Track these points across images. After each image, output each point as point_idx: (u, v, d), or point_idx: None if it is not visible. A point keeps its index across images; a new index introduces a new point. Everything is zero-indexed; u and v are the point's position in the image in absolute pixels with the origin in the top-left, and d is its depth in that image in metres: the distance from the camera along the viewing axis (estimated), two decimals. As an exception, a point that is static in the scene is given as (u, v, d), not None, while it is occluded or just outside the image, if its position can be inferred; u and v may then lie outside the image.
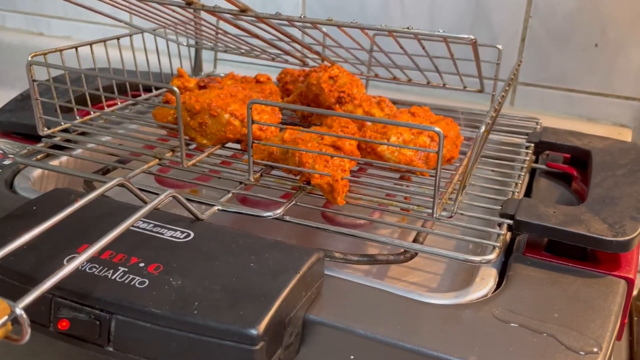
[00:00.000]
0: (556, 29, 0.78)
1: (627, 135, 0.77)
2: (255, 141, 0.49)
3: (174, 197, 0.41)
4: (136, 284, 0.36)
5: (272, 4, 0.93)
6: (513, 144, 0.64)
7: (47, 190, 0.49)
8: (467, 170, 0.45)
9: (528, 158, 0.60)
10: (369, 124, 0.55)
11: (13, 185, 0.56)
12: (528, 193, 0.57)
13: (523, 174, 0.57)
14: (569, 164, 0.61)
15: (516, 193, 0.53)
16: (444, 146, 0.44)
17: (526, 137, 0.65)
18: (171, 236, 0.40)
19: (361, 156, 0.53)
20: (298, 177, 0.51)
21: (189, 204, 0.43)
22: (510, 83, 0.52)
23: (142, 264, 0.37)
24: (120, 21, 0.63)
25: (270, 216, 0.47)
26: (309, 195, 0.51)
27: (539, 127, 0.68)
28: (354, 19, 0.88)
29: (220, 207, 0.47)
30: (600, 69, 0.78)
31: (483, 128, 0.42)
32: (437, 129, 0.41)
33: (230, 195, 0.49)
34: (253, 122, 0.48)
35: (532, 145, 0.62)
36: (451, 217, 0.45)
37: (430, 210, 0.44)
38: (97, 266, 0.37)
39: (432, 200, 0.43)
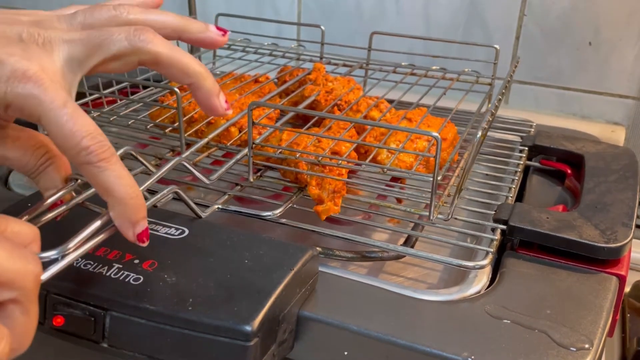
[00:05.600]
0: (550, 27, 0.79)
1: (620, 133, 0.77)
2: (256, 142, 0.49)
3: (175, 193, 0.41)
4: (131, 281, 0.36)
5: (267, 3, 0.93)
6: (507, 147, 0.64)
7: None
8: (464, 173, 0.45)
9: (522, 162, 0.60)
10: (368, 128, 0.55)
11: (8, 182, 0.56)
12: (521, 191, 0.58)
13: (517, 178, 0.57)
14: (562, 161, 0.61)
15: (509, 198, 0.53)
16: (442, 149, 0.44)
17: (520, 140, 0.65)
18: (166, 233, 0.40)
19: (358, 159, 0.53)
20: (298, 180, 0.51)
21: (190, 201, 0.43)
22: (507, 85, 0.53)
23: (136, 261, 0.37)
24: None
25: (270, 216, 0.47)
26: (304, 198, 0.51)
27: (532, 130, 0.68)
28: (349, 18, 0.88)
29: (220, 206, 0.48)
30: (594, 67, 0.79)
31: (480, 133, 0.43)
32: (434, 134, 0.41)
33: (226, 197, 0.50)
34: (254, 123, 0.48)
35: (526, 149, 0.62)
36: (447, 220, 0.46)
37: (427, 213, 0.45)
38: (92, 263, 0.37)
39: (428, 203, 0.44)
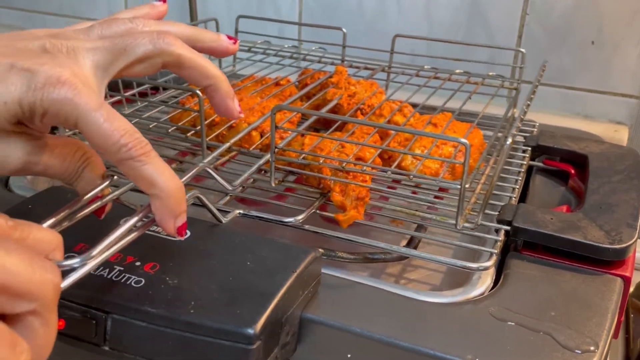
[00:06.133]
0: (553, 26, 0.78)
1: (623, 133, 0.77)
2: (278, 147, 0.48)
3: (197, 197, 0.41)
4: (132, 283, 0.36)
5: (269, 2, 0.93)
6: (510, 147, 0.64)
7: (43, 188, 0.49)
8: (492, 181, 0.44)
9: (525, 162, 0.59)
10: (392, 133, 0.55)
11: (8, 183, 0.55)
12: (524, 191, 0.57)
13: (520, 178, 0.56)
14: (566, 161, 0.61)
15: (513, 198, 0.53)
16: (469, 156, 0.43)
17: (523, 140, 0.64)
18: (167, 235, 0.40)
19: (382, 165, 0.53)
20: (321, 186, 0.51)
21: (212, 207, 0.42)
22: (535, 90, 0.52)
23: (138, 263, 0.37)
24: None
25: (292, 222, 0.46)
26: (308, 199, 0.50)
27: (535, 130, 0.67)
28: (350, 17, 0.88)
29: (241, 212, 0.47)
30: (597, 66, 0.78)
31: (510, 140, 0.42)
32: (463, 140, 0.41)
33: (228, 197, 0.49)
34: (277, 127, 0.47)
35: (529, 149, 0.62)
36: (474, 229, 0.45)
37: (453, 221, 0.44)
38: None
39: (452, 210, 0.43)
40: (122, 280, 0.36)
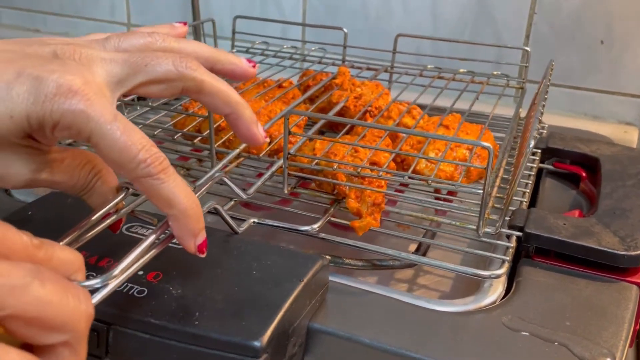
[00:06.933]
0: (561, 25, 0.77)
1: (633, 134, 0.76)
2: (290, 153, 0.47)
3: (214, 208, 0.40)
4: (134, 293, 0.34)
5: (271, 1, 0.91)
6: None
7: (43, 193, 0.48)
8: (512, 184, 0.43)
9: (535, 165, 0.58)
10: (404, 136, 0.53)
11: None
12: (534, 194, 0.56)
13: (530, 182, 0.55)
14: (577, 164, 0.60)
15: (524, 203, 0.52)
16: (483, 158, 0.42)
17: (532, 142, 0.63)
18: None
19: (396, 169, 0.51)
20: (335, 192, 0.49)
21: (228, 217, 0.41)
22: (547, 90, 0.51)
23: (140, 272, 0.36)
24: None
25: (308, 231, 0.45)
26: (315, 205, 0.49)
27: (545, 132, 0.66)
28: (354, 17, 0.86)
29: (256, 220, 0.46)
30: (606, 66, 0.77)
31: (532, 143, 0.41)
32: (486, 144, 0.40)
33: (232, 202, 0.48)
34: (290, 133, 0.46)
35: (539, 152, 0.61)
36: (495, 234, 0.44)
37: (473, 227, 0.43)
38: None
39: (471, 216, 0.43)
40: (124, 290, 0.35)
